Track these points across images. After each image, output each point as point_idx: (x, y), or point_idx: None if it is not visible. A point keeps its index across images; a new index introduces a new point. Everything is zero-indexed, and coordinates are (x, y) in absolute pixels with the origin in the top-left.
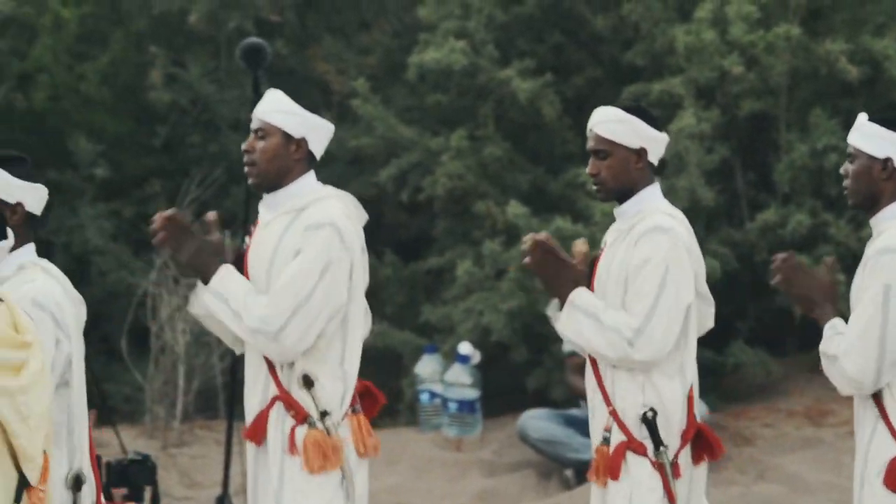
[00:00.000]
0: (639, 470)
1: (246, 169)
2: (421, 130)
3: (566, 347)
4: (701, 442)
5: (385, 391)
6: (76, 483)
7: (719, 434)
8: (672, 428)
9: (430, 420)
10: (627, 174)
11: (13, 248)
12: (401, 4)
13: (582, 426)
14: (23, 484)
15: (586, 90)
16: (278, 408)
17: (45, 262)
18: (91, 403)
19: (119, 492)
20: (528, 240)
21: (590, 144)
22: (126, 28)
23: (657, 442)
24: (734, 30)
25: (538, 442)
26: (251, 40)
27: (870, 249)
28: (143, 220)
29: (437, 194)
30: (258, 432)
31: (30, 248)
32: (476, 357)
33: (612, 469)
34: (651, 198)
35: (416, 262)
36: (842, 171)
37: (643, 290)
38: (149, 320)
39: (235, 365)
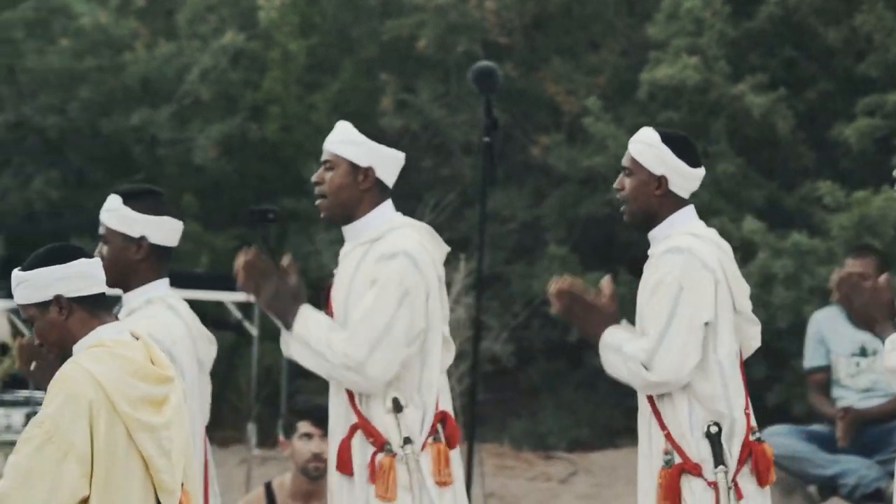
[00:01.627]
0: (698, 492)
1: (317, 202)
2: None
3: (807, 364)
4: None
5: None
6: None
7: None
8: (725, 450)
9: None
10: (646, 198)
11: (144, 282)
12: (629, 23)
13: (824, 442)
14: None
15: (819, 104)
16: (359, 436)
17: (173, 299)
18: None
19: None
20: (551, 287)
21: (623, 160)
22: (355, 56)
23: (718, 460)
24: None
25: (781, 458)
26: (482, 64)
27: None
28: None
29: None
30: (346, 463)
31: (161, 283)
32: None
33: (670, 492)
34: (681, 222)
35: None
36: None
37: (655, 311)
38: None
39: (474, 387)
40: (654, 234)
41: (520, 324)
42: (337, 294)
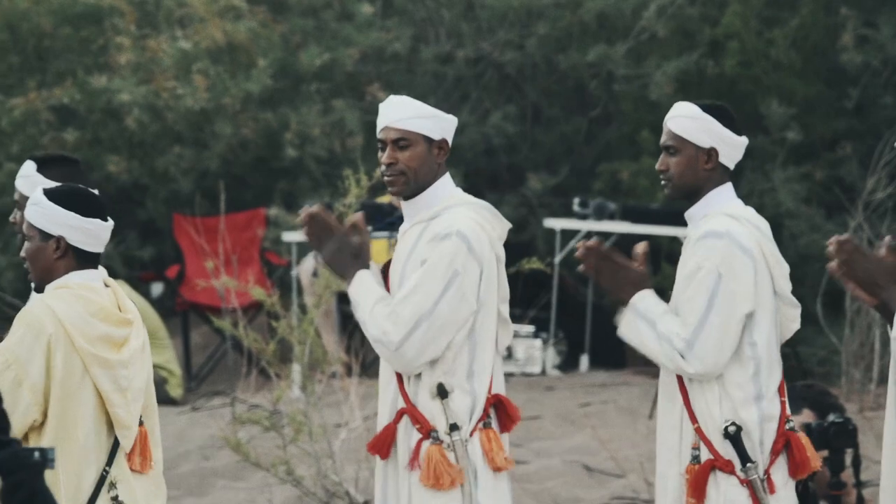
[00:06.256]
0: (728, 489)
1: (389, 178)
2: None
3: None
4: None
5: None
6: None
7: None
8: (755, 442)
9: None
10: (694, 173)
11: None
12: None
13: None
14: (116, 448)
15: None
16: (405, 421)
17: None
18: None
19: (820, 454)
20: (579, 246)
21: (662, 139)
22: None
23: (744, 458)
24: None
25: None
26: None
27: None
28: (835, 183)
29: None
30: (383, 446)
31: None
32: None
33: (697, 489)
34: (718, 200)
35: None
36: None
37: (695, 300)
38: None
39: None
40: (691, 214)
41: None
42: (393, 273)
